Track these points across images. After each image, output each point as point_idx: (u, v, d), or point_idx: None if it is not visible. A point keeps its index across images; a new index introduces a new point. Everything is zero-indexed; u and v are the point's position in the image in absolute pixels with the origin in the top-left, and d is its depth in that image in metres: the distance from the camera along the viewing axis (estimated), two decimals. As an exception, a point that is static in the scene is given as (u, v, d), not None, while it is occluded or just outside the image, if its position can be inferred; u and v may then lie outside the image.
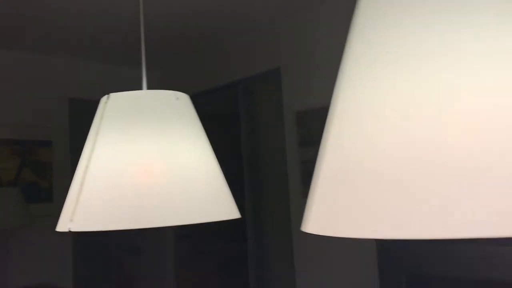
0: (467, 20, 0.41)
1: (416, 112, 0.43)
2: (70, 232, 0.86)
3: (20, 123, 3.71)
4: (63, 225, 0.89)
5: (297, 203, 3.17)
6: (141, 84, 4.35)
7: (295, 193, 3.19)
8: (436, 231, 0.38)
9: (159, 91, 0.97)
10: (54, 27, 3.27)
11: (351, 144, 0.50)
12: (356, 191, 0.48)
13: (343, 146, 0.52)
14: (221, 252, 3.95)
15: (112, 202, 0.87)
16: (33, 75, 3.81)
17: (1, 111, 3.64)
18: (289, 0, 3.04)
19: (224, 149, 3.69)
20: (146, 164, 0.89)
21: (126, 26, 3.32)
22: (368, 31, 0.50)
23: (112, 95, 0.96)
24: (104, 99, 0.97)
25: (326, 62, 3.04)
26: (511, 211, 0.34)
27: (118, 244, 4.03)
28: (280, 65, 3.35)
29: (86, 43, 3.65)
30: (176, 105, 0.97)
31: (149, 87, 4.42)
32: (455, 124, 0.39)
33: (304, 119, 3.13)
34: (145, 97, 0.95)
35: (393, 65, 0.46)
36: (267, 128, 3.57)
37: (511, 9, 0.39)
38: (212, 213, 0.93)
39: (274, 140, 3.44)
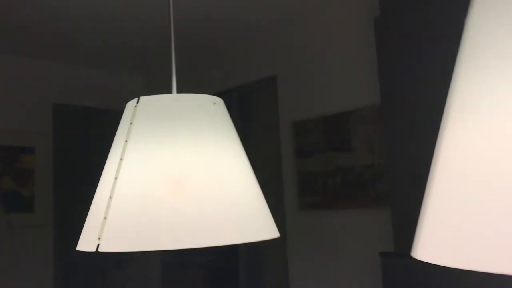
0: None
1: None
2: (97, 251, 0.76)
3: (1, 128, 3.54)
4: (89, 244, 0.79)
5: (293, 215, 3.09)
6: (127, 90, 4.23)
7: (290, 205, 3.10)
8: None
9: (194, 95, 0.87)
10: (38, 30, 3.13)
11: (471, 153, 0.42)
12: (480, 213, 0.40)
13: (460, 156, 0.44)
14: (211, 264, 3.83)
15: (146, 219, 0.77)
16: (16, 79, 3.65)
17: (-18, 115, 3.47)
18: (286, 8, 2.97)
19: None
20: (183, 176, 0.80)
21: (112, 30, 3.20)
22: (482, 30, 0.44)
23: (143, 98, 0.86)
24: (132, 102, 0.88)
25: (324, 71, 2.98)
26: None
27: (101, 256, 3.88)
28: (276, 73, 3.28)
29: (71, 47, 3.51)
30: (213, 111, 0.88)
31: (139, 94, 4.29)
32: None
33: (301, 128, 3.05)
34: (180, 101, 0.86)
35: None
36: (262, 137, 3.49)
37: None
38: (253, 232, 0.83)
39: (269, 150, 3.35)
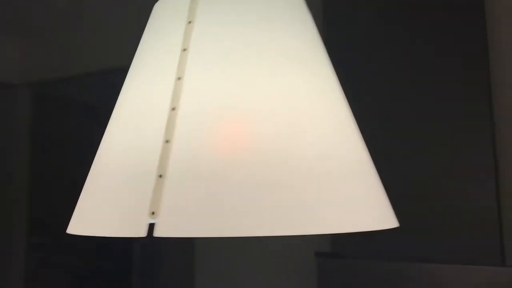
0: None
1: None
2: (150, 236, 0.39)
3: None
4: (129, 225, 0.42)
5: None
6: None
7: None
8: None
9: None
10: None
11: None
12: None
13: None
14: (90, 266, 3.32)
15: (223, 187, 0.43)
16: None
17: None
18: None
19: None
20: (284, 116, 0.48)
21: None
22: None
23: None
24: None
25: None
26: None
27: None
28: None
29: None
30: (306, 17, 0.57)
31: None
32: None
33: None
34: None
35: None
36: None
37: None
38: (360, 218, 0.51)
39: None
